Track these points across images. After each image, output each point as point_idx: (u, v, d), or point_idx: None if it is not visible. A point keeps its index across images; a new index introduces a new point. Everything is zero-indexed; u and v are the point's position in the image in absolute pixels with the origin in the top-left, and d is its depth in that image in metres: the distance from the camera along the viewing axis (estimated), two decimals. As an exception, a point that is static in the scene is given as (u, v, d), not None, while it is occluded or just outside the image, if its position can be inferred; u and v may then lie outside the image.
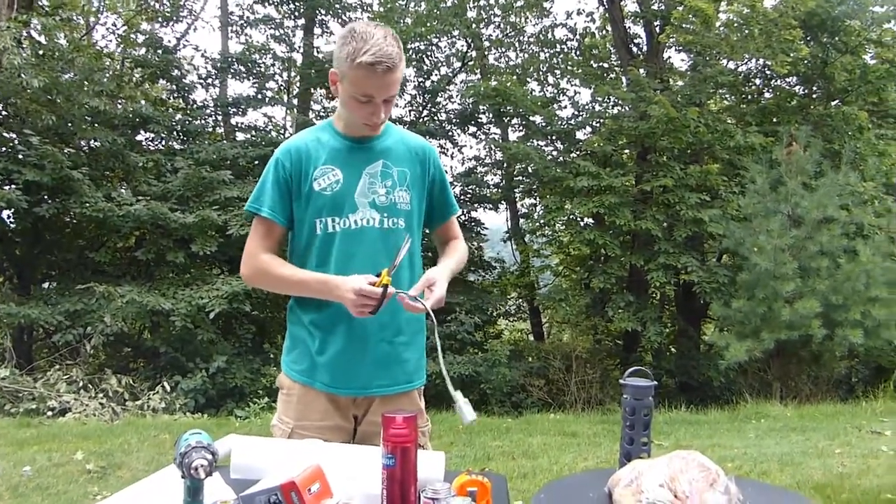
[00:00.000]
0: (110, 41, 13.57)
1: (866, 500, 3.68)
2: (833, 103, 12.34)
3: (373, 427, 1.95)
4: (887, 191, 10.67)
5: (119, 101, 11.33)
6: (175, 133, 11.90)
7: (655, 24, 13.22)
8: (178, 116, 12.07)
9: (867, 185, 9.87)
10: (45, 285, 10.26)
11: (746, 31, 11.70)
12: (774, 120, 12.17)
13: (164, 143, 11.90)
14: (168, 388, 8.41)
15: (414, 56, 13.20)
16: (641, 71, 12.05)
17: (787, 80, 12.98)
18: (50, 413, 7.40)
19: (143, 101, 11.83)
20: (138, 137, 11.52)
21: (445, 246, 2.14)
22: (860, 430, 5.94)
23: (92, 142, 10.63)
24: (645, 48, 13.74)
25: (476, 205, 13.77)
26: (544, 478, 4.45)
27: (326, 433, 1.90)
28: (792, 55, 10.82)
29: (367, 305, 1.74)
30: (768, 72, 12.76)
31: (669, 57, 13.88)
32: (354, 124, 1.92)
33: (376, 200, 1.92)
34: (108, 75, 11.22)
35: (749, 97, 13.48)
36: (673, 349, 12.26)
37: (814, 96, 12.80)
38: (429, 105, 14.33)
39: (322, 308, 1.91)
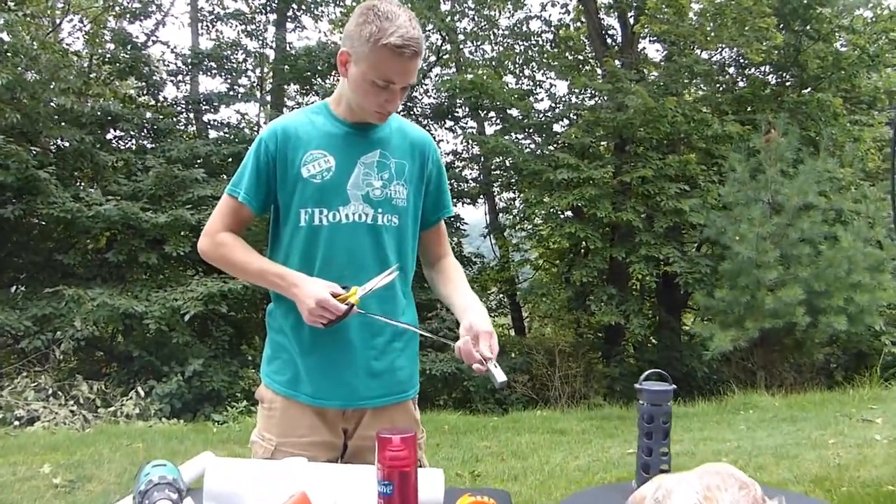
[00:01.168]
0: (77, 38, 13.26)
1: (867, 492, 3.59)
2: (806, 91, 12.36)
3: (365, 442, 1.77)
4: (865, 176, 10.71)
5: (87, 98, 11.02)
6: (145, 131, 11.63)
7: (630, 14, 13.18)
8: (149, 115, 11.78)
9: (845, 170, 9.87)
10: (12, 289, 9.94)
11: (720, 21, 11.70)
12: (749, 109, 12.16)
13: (134, 141, 11.63)
14: (142, 394, 8.16)
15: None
16: (617, 62, 11.98)
17: (760, 68, 13.01)
18: (17, 423, 7.12)
19: (111, 99, 11.54)
20: (107, 136, 11.25)
21: (435, 265, 1.94)
22: (850, 419, 5.88)
23: (59, 141, 10.33)
24: (620, 39, 13.68)
25: (455, 200, 13.56)
26: (535, 479, 4.31)
27: (313, 450, 1.73)
28: (766, 43, 10.80)
29: (323, 318, 1.58)
30: (743, 61, 12.77)
31: (644, 48, 13.86)
32: (362, 110, 1.72)
33: (371, 194, 1.73)
34: (74, 73, 10.91)
35: (724, 86, 13.46)
36: (654, 340, 12.21)
37: (787, 84, 12.82)
38: (404, 100, 14.12)
39: (301, 326, 1.73)
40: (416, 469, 1.20)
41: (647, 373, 1.42)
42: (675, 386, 1.41)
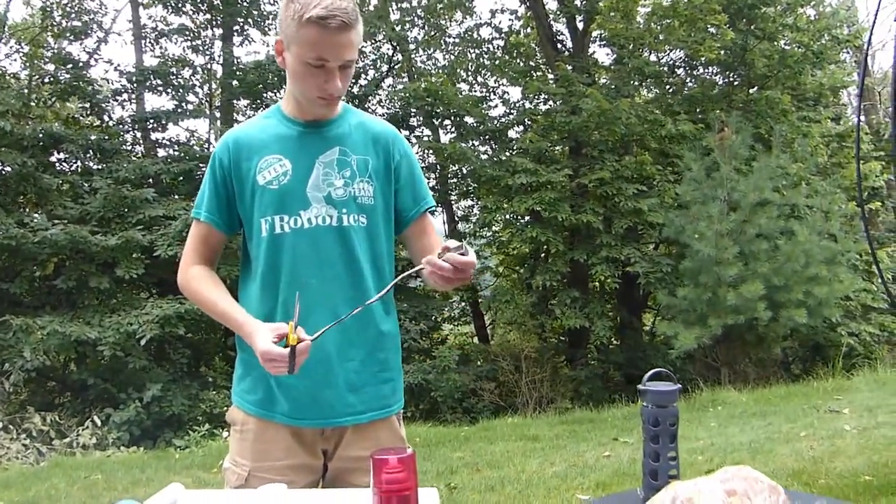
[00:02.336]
0: (14, 60, 12.84)
1: (845, 483, 3.58)
2: (753, 90, 12.59)
3: (346, 463, 1.66)
4: (816, 171, 10.92)
5: (28, 121, 10.66)
6: (91, 152, 11.27)
7: (579, 19, 13.29)
8: (94, 136, 11.44)
9: (798, 166, 10.04)
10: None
11: (668, 22, 11.87)
12: (699, 108, 12.33)
13: (79, 163, 11.27)
14: (98, 423, 7.90)
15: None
16: (568, 67, 12.05)
17: (708, 68, 13.22)
18: (-34, 460, 6.82)
19: (54, 121, 11.19)
20: (51, 159, 10.88)
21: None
22: (818, 411, 5.93)
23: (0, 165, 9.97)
24: (570, 44, 13.78)
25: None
26: (514, 489, 4.22)
27: (291, 474, 1.61)
28: (717, 41, 10.98)
29: (278, 367, 1.46)
30: (692, 61, 12.97)
31: (594, 52, 13.98)
32: (307, 100, 1.61)
33: (332, 194, 1.62)
34: (13, 95, 10.54)
35: (673, 88, 13.65)
36: (614, 341, 12.22)
37: (735, 84, 13.04)
38: (352, 84, 13.98)
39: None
40: (416, 492, 1.09)
41: (650, 373, 1.33)
42: (680, 385, 1.33)
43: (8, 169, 9.81)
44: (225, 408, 8.40)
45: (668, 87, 13.62)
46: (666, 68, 13.38)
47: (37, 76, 11.86)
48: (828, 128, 12.92)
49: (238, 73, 12.44)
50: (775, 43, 12.05)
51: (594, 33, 13.32)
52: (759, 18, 11.66)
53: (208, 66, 13.28)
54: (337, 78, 1.55)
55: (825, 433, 5.00)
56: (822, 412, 5.86)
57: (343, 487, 1.63)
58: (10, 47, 12.88)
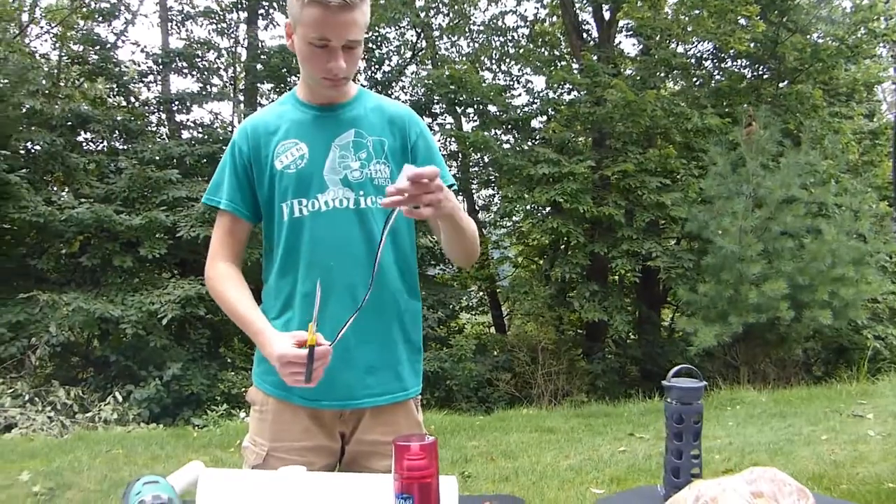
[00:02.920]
0: (45, 41, 12.99)
1: (868, 489, 3.53)
2: (783, 84, 12.40)
3: (363, 447, 1.67)
4: (847, 168, 10.74)
5: (56, 101, 10.77)
6: (117, 133, 11.36)
7: (605, 9, 13.15)
8: (120, 116, 11.52)
9: (827, 163, 9.89)
10: (-15, 296, 9.69)
11: (699, 13, 11.70)
12: (726, 102, 12.18)
13: (105, 143, 11.37)
14: (120, 399, 8.00)
15: (364, 46, 12.85)
16: (594, 57, 11.94)
17: (737, 61, 13.05)
18: (-6, 430, 6.96)
19: (81, 101, 11.29)
20: (78, 138, 10.98)
21: None
22: (841, 415, 5.85)
23: (29, 144, 10.08)
24: (595, 34, 13.65)
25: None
26: (528, 479, 4.22)
27: (309, 455, 1.62)
28: (749, 33, 10.81)
29: (296, 373, 1.43)
30: (722, 54, 12.80)
31: (620, 42, 13.84)
32: (314, 82, 1.62)
33: (349, 177, 1.63)
34: (43, 75, 10.64)
35: (700, 80, 13.49)
36: (632, 336, 12.15)
37: (764, 77, 12.85)
38: (361, 65, 13.97)
39: (295, 310, 1.64)
40: (437, 480, 1.09)
41: (675, 369, 1.32)
42: (705, 382, 1.31)
43: (37, 147, 9.92)
44: (243, 389, 8.51)
45: (694, 79, 13.46)
46: (693, 60, 13.22)
47: (66, 57, 11.96)
48: (860, 124, 12.69)
49: (262, 56, 12.46)
50: (808, 36, 11.85)
51: (620, 23, 13.19)
52: (791, 10, 11.45)
53: (233, 49, 13.32)
54: (341, 58, 1.55)
55: (848, 437, 4.94)
56: (845, 416, 5.78)
57: (360, 471, 1.64)
58: (41, 28, 13.04)
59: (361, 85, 1.78)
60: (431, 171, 1.36)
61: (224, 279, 1.68)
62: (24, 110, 9.60)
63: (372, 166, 1.64)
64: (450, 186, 1.66)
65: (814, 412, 6.05)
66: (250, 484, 1.28)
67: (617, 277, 12.21)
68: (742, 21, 11.44)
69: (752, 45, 11.65)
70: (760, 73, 12.86)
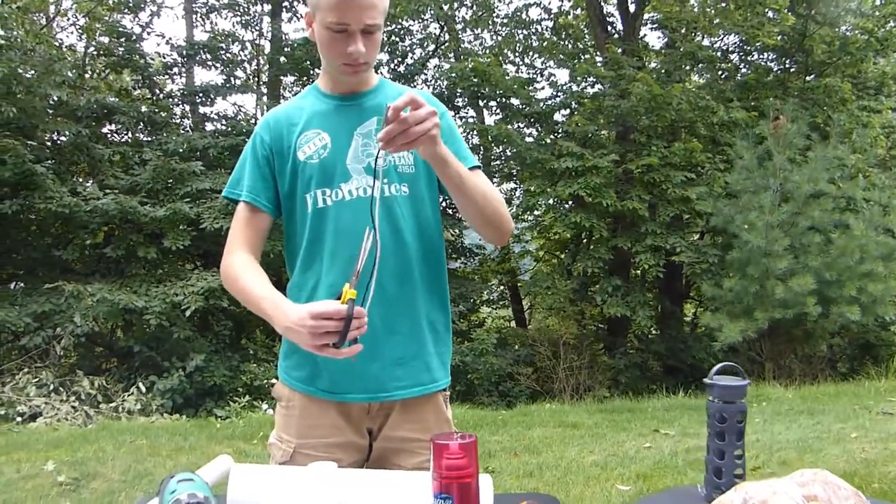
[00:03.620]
0: (71, 34, 13.09)
1: (900, 488, 3.47)
2: (810, 77, 12.21)
3: (392, 443, 1.64)
4: (878, 164, 10.56)
5: (82, 92, 10.85)
6: (142, 124, 11.44)
7: (630, 1, 13.00)
8: (144, 108, 11.59)
9: (856, 157, 9.72)
10: (12, 286, 9.79)
11: (724, 5, 11.54)
12: (752, 96, 12.01)
13: (130, 134, 11.45)
14: (143, 389, 8.05)
15: (387, 39, 12.84)
16: (618, 50, 11.82)
17: (763, 55, 12.86)
18: (20, 419, 7.03)
19: (107, 93, 11.37)
20: (103, 130, 11.07)
21: None
22: (870, 412, 5.75)
23: (55, 135, 10.17)
24: (620, 27, 13.51)
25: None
26: (552, 475, 4.18)
27: (336, 452, 1.59)
28: (777, 26, 10.65)
29: (328, 332, 1.32)
30: (748, 47, 12.63)
31: (645, 35, 13.70)
32: (335, 69, 1.60)
33: (372, 165, 1.59)
34: (69, 66, 10.73)
35: (726, 74, 13.31)
36: (654, 331, 12.04)
37: (791, 70, 12.66)
38: (383, 51, 13.91)
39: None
40: (477, 480, 1.06)
41: (718, 366, 1.28)
42: (749, 381, 1.27)
43: (63, 138, 10.00)
44: (265, 381, 8.55)
45: (720, 72, 13.29)
46: (719, 53, 13.05)
47: (92, 48, 12.04)
48: (889, 118, 12.47)
49: (286, 49, 12.48)
50: (836, 29, 11.65)
51: (645, 16, 13.04)
52: (820, 2, 11.26)
53: (257, 41, 13.35)
54: (360, 42, 1.52)
55: (878, 435, 4.85)
56: (874, 413, 5.69)
57: (388, 468, 1.62)
58: (67, 20, 13.15)
59: (383, 77, 1.75)
60: (406, 98, 1.32)
61: (240, 267, 1.61)
62: (50, 102, 9.67)
63: (395, 154, 1.61)
64: (470, 168, 1.61)
65: (842, 409, 5.95)
66: (281, 480, 1.26)
67: (639, 272, 12.10)
68: (770, 14, 11.28)
69: (779, 37, 11.48)
70: (787, 66, 12.66)
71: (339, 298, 1.34)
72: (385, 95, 1.66)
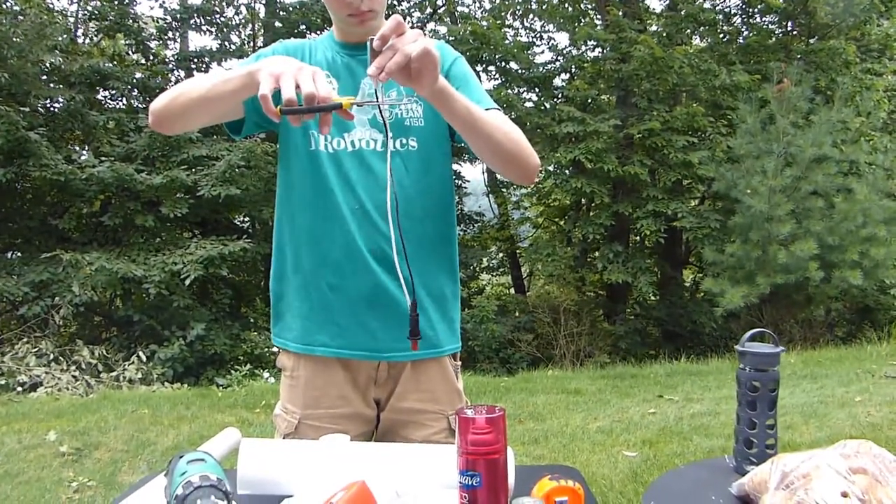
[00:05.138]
0: (61, -2, 12.83)
1: (908, 452, 3.44)
2: (813, 39, 12.03)
3: (400, 415, 1.58)
4: (883, 127, 10.46)
5: (75, 58, 10.66)
6: (136, 91, 11.27)
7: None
8: (139, 75, 11.40)
9: (859, 120, 9.61)
10: (9, 255, 9.72)
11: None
12: (753, 59, 11.84)
13: (125, 100, 11.29)
14: (144, 358, 8.04)
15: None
16: (619, 12, 11.62)
17: (765, 17, 12.67)
18: (20, 389, 7.02)
19: (100, 58, 11.17)
20: (98, 96, 10.90)
21: None
22: (873, 376, 5.75)
23: (48, 101, 10.02)
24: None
25: (454, 158, 13.30)
26: (558, 442, 4.17)
27: (343, 423, 1.53)
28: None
29: (304, 83, 1.15)
30: (750, 9, 12.43)
31: (645, -2, 13.45)
32: (343, 23, 1.53)
33: (377, 117, 1.51)
34: (61, 31, 10.52)
35: (728, 37, 13.11)
36: (652, 297, 11.99)
37: (794, 33, 12.47)
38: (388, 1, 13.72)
39: (313, 272, 1.53)
40: (504, 455, 1.01)
41: (750, 332, 1.22)
42: (783, 348, 1.22)
43: (57, 105, 9.85)
44: (265, 349, 8.53)
45: (721, 35, 13.09)
46: (721, 16, 12.85)
47: (84, 13, 11.82)
48: (892, 81, 12.32)
49: (281, 13, 12.26)
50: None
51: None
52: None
53: (251, 5, 13.12)
54: None
55: (882, 399, 4.84)
56: (878, 378, 5.68)
57: (396, 440, 1.57)
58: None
59: None
60: (392, 24, 1.17)
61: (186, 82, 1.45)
62: (42, 67, 9.51)
63: (403, 105, 1.53)
64: (487, 110, 1.49)
65: (845, 373, 5.95)
66: (293, 453, 1.21)
67: (639, 238, 12.04)
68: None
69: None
70: (790, 29, 12.48)
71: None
72: None
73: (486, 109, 1.46)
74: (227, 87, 1.33)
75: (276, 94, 1.16)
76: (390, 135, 1.36)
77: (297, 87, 1.15)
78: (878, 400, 4.84)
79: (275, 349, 1.69)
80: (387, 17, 1.38)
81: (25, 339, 7.97)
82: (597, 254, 10.90)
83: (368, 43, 1.18)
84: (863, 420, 4.28)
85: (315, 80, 1.16)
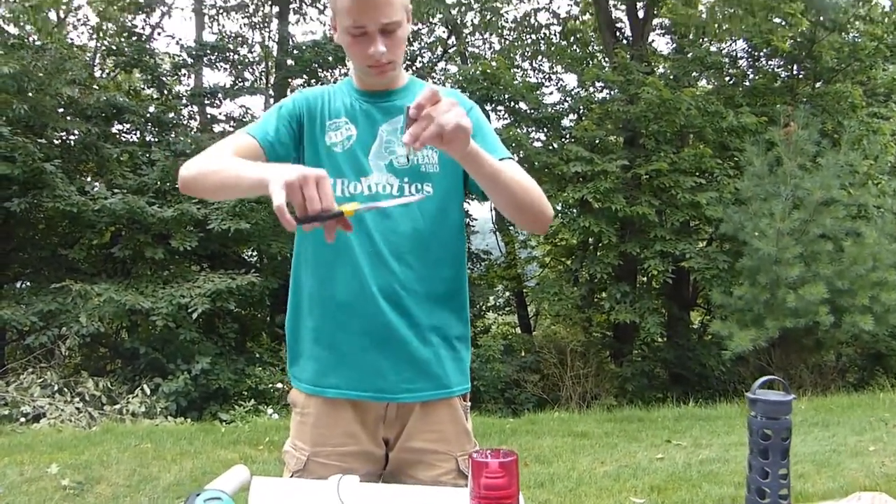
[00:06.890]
0: (82, 34, 13.12)
1: (922, 504, 3.37)
2: (818, 83, 12.15)
3: (408, 455, 1.59)
4: (891, 170, 10.48)
5: (92, 91, 10.84)
6: (150, 125, 11.43)
7: (639, 6, 12.95)
8: (153, 109, 11.56)
9: (868, 163, 9.63)
10: (18, 284, 9.77)
11: (731, 11, 11.46)
12: (760, 102, 11.94)
13: (138, 134, 11.44)
14: (148, 391, 7.99)
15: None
16: (627, 55, 11.77)
17: (771, 61, 12.82)
18: (23, 419, 7.00)
19: (116, 92, 11.36)
20: (113, 129, 11.06)
21: None
22: (887, 424, 5.65)
23: (64, 133, 10.17)
24: (628, 32, 13.47)
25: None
26: (564, 486, 4.11)
27: (351, 461, 1.55)
28: (791, 31, 10.58)
29: (303, 192, 1.17)
30: (756, 52, 12.59)
31: (653, 40, 13.67)
32: (361, 71, 1.59)
33: (394, 163, 1.56)
34: (80, 65, 10.72)
35: (734, 79, 13.25)
36: (659, 339, 11.92)
37: (800, 77, 12.60)
38: (407, 53, 13.90)
39: (326, 314, 1.57)
40: (517, 500, 1.00)
41: (760, 380, 1.22)
42: (794, 396, 1.21)
43: (73, 137, 9.99)
44: (270, 385, 8.48)
45: (728, 78, 13.23)
46: (727, 59, 13.00)
47: (103, 47, 12.04)
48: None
49: (294, 51, 12.46)
50: (845, 35, 11.59)
51: (654, 21, 12.99)
52: (830, 9, 11.19)
53: (265, 43, 13.36)
54: (379, 42, 1.49)
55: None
56: (891, 426, 5.59)
57: (405, 480, 1.58)
58: (78, 20, 13.17)
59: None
60: (427, 93, 1.23)
61: (213, 154, 1.48)
62: (60, 100, 9.67)
63: (420, 152, 1.57)
64: (503, 160, 1.55)
65: (857, 421, 5.86)
66: (303, 493, 1.20)
67: (646, 279, 12.01)
68: (777, 20, 11.20)
69: (789, 43, 11.44)
70: (795, 72, 12.61)
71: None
72: (414, 94, 1.60)
73: (500, 159, 1.50)
74: (243, 182, 1.35)
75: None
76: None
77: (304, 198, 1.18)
78: (893, 450, 4.75)
79: (279, 385, 1.71)
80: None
81: (31, 369, 7.96)
82: (604, 294, 10.87)
83: (406, 110, 1.25)
84: (877, 471, 4.21)
85: (320, 190, 1.18)
